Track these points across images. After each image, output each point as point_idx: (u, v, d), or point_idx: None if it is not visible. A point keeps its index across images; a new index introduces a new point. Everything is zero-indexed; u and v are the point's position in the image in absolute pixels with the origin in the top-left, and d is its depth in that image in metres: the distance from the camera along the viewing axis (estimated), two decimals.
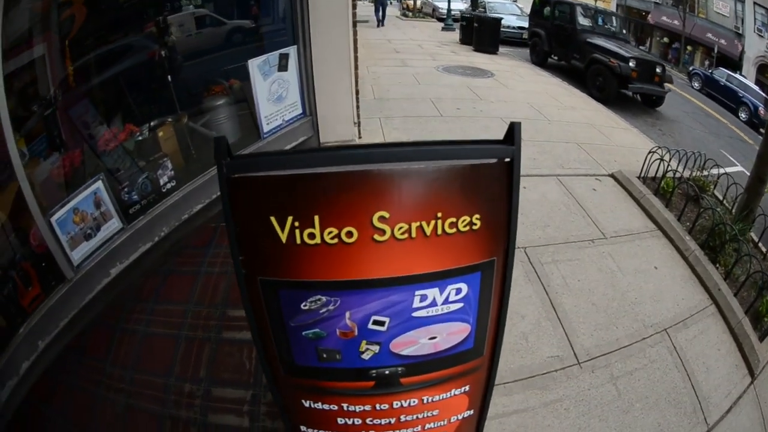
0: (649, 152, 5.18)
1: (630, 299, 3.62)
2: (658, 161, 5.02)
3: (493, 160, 1.26)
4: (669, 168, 4.95)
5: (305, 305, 1.27)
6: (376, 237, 1.18)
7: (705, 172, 5.45)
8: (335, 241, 1.17)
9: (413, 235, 1.19)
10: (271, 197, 1.16)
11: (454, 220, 1.21)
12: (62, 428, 2.51)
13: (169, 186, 3.18)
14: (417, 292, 1.28)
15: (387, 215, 1.16)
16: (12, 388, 2.45)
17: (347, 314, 1.28)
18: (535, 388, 2.83)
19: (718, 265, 4.03)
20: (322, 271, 1.21)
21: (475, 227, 1.24)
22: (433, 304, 1.31)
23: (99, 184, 2.85)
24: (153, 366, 2.72)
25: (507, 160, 1.27)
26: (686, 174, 5.12)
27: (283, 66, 3.79)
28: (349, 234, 1.16)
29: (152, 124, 3.24)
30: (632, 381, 2.97)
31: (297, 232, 1.16)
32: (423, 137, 5.76)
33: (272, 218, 1.15)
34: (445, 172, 1.18)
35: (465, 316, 1.39)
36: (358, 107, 4.95)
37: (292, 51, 3.83)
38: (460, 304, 1.35)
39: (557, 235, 4.10)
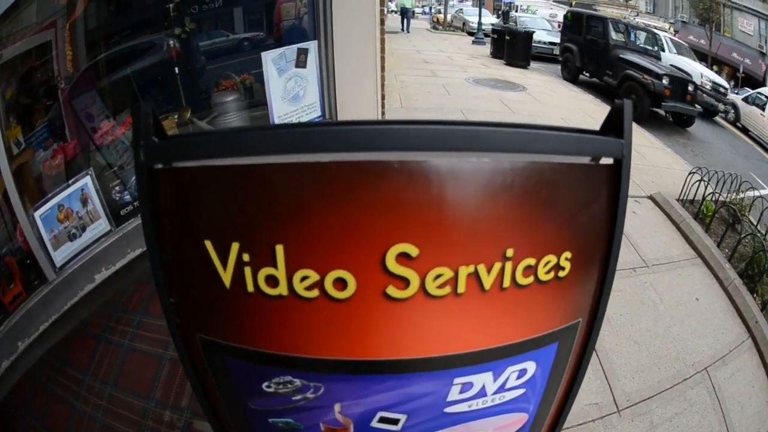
0: (689, 173, 4.66)
1: (673, 335, 3.15)
2: (696, 183, 4.55)
3: (586, 160, 0.70)
4: (709, 191, 4.48)
5: (269, 386, 0.70)
6: (392, 291, 0.58)
7: (741, 195, 4.95)
8: (314, 293, 0.57)
9: (460, 289, 0.59)
10: (204, 207, 0.59)
11: (532, 262, 0.61)
12: None
13: None
14: (457, 381, 0.68)
15: (414, 252, 0.56)
16: None
17: (337, 407, 0.70)
18: None
19: (755, 295, 3.62)
20: (292, 342, 0.63)
21: (561, 273, 0.65)
22: (481, 394, 0.72)
23: (87, 179, 2.40)
24: (133, 385, 2.27)
25: (610, 161, 0.70)
26: (722, 197, 4.62)
27: (301, 62, 3.24)
28: (341, 283, 0.57)
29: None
30: (671, 429, 2.60)
31: (248, 271, 0.58)
32: None
33: (207, 243, 0.59)
34: (525, 174, 0.58)
35: (524, 405, 0.81)
36: (383, 114, 4.39)
37: (312, 46, 3.29)
38: (521, 390, 0.77)
39: None
